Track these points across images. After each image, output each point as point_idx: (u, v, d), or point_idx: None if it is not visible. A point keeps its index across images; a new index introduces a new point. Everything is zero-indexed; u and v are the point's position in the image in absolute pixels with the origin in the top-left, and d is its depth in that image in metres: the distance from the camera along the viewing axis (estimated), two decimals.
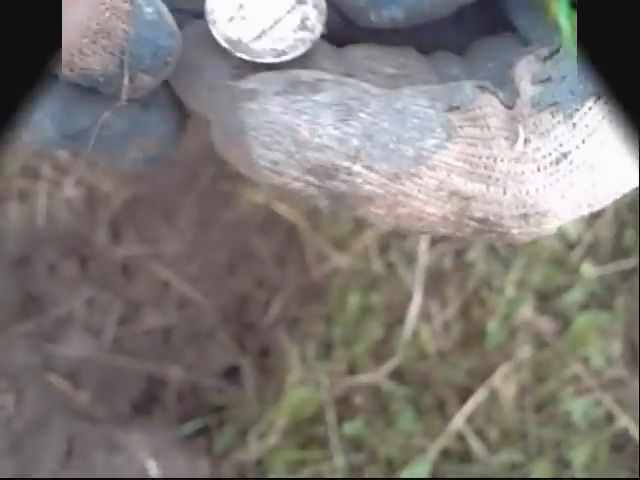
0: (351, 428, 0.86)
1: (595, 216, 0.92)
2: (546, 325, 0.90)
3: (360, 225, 0.90)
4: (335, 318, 0.90)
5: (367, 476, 0.86)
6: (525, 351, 0.88)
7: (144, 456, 0.81)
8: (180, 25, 0.26)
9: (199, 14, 0.26)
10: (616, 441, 0.87)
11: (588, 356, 0.88)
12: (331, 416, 0.86)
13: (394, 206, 0.25)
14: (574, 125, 0.25)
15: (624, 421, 0.85)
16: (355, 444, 0.87)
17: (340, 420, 0.86)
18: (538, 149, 0.25)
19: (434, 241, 0.91)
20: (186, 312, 0.91)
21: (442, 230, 0.25)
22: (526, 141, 0.25)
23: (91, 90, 0.26)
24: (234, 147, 0.25)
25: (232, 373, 0.90)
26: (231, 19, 0.26)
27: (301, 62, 0.26)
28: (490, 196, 0.25)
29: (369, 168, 0.24)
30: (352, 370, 0.89)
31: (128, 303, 0.91)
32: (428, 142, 0.24)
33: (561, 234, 0.91)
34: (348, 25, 0.27)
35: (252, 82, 0.26)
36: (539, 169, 0.25)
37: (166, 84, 0.27)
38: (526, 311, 0.89)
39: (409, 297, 0.89)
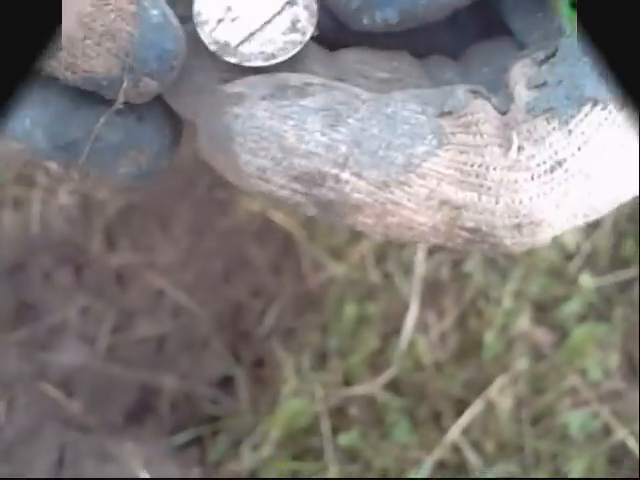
0: (346, 439, 0.86)
1: (593, 226, 0.91)
2: (543, 336, 0.89)
3: (357, 234, 0.89)
4: (331, 328, 0.90)
5: None
6: (522, 363, 0.87)
7: (136, 466, 0.80)
8: None
9: (185, 18, 0.26)
10: (613, 454, 0.86)
11: (586, 368, 0.87)
12: (326, 427, 0.85)
13: (383, 215, 0.24)
14: (570, 132, 0.24)
15: (622, 434, 0.85)
16: (350, 455, 0.86)
17: (335, 431, 0.86)
18: (532, 157, 0.24)
19: (431, 251, 0.90)
20: (180, 321, 0.90)
21: (433, 240, 0.25)
22: (520, 148, 0.24)
23: (89, 96, 0.25)
24: (220, 153, 0.25)
25: (226, 383, 0.90)
26: (219, 21, 0.26)
27: (291, 65, 0.26)
28: (482, 205, 0.24)
29: (357, 175, 0.24)
30: (347, 381, 0.88)
31: (122, 311, 0.91)
32: (418, 149, 0.24)
33: (559, 245, 0.91)
34: (340, 28, 0.27)
35: (239, 86, 0.25)
36: (533, 177, 0.24)
37: (160, 98, 0.26)
38: (523, 322, 0.89)
39: (406, 307, 0.88)
